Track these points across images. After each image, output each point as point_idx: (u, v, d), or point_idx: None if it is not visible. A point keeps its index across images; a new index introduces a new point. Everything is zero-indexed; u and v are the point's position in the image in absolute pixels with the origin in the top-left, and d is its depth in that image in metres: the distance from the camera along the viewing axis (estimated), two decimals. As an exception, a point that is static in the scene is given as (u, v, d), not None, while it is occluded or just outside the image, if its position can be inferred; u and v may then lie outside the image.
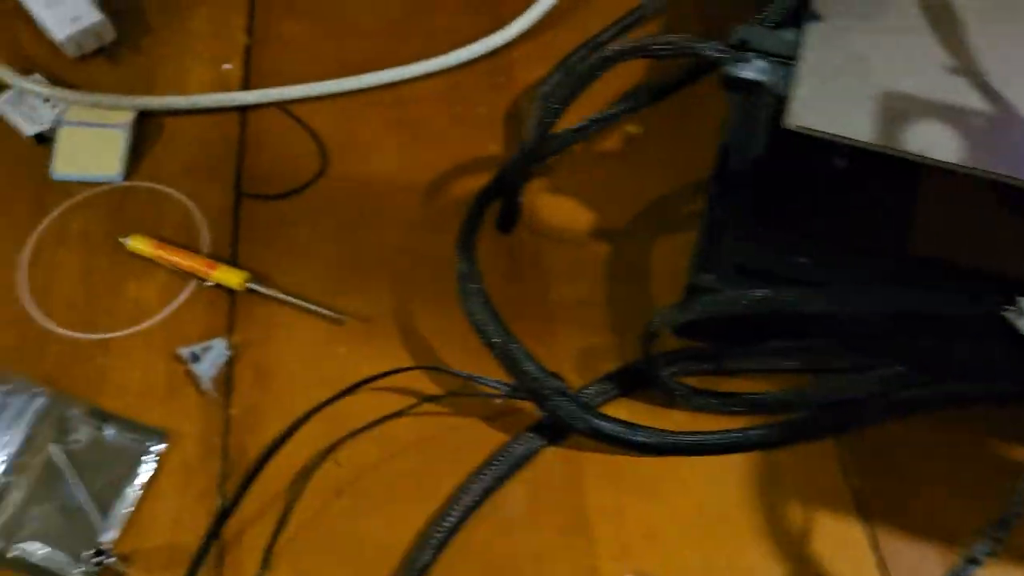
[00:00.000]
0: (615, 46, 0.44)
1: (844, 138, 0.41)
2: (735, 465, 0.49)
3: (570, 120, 0.53)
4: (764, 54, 0.44)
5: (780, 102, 0.43)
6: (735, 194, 0.47)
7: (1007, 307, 0.39)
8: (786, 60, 0.43)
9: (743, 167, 0.47)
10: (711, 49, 0.43)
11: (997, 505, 0.40)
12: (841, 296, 0.42)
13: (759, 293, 0.42)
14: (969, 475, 0.48)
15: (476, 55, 0.61)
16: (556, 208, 0.55)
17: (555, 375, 0.47)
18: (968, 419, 0.49)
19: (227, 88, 0.60)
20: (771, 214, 0.46)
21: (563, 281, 0.53)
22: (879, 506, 0.47)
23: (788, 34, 0.44)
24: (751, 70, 0.43)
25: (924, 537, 0.46)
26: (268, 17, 0.64)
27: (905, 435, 0.49)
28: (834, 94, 0.42)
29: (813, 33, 0.45)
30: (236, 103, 0.59)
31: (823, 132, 0.42)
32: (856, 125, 0.42)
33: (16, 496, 0.47)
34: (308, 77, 0.60)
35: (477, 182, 0.57)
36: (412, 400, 0.50)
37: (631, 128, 0.58)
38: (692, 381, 0.49)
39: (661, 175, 0.57)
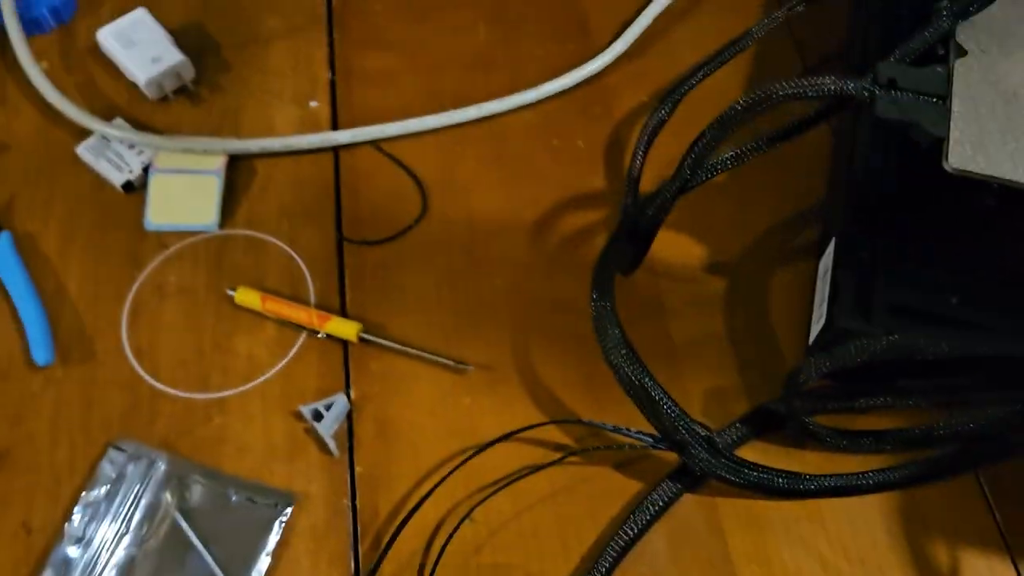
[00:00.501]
0: (775, 90, 0.42)
1: (1006, 181, 0.41)
2: (876, 505, 0.48)
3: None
4: (914, 92, 0.42)
5: (934, 142, 0.42)
6: (878, 233, 0.46)
7: None
8: (939, 98, 0.42)
9: (882, 206, 0.46)
10: (863, 90, 0.42)
11: None
12: (1005, 341, 0.41)
13: (921, 337, 0.41)
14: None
15: (571, 84, 0.60)
16: (669, 245, 0.54)
17: (697, 422, 0.46)
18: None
19: (316, 126, 0.58)
20: (919, 253, 0.45)
21: (684, 321, 0.52)
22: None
23: (938, 71, 0.43)
24: (904, 110, 0.42)
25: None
26: (349, 50, 0.62)
27: None
28: (991, 134, 0.41)
29: (960, 69, 0.44)
30: (330, 143, 0.57)
31: (985, 175, 0.41)
32: (1017, 166, 0.41)
33: (145, 568, 0.45)
34: (396, 112, 0.59)
35: (584, 219, 0.56)
36: (546, 452, 0.48)
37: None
38: (820, 420, 0.49)
39: (764, 205, 0.56)
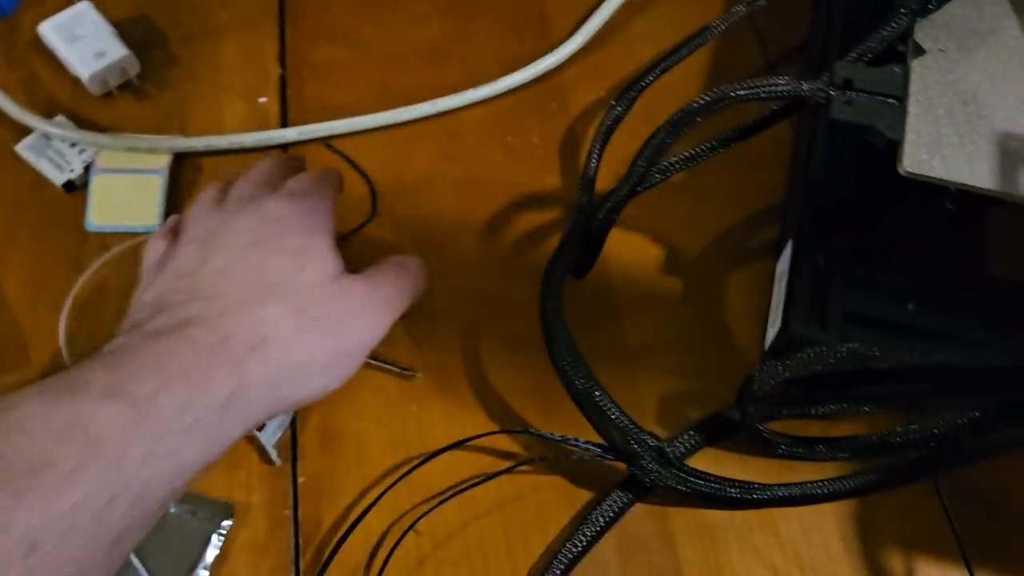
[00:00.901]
0: (728, 91, 0.41)
1: (962, 184, 0.39)
2: (831, 513, 0.47)
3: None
4: (870, 93, 0.41)
5: (890, 145, 0.40)
6: (835, 236, 0.44)
7: None
8: (895, 99, 0.41)
9: (838, 209, 0.45)
10: (817, 92, 0.41)
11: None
12: (963, 349, 0.40)
13: (879, 345, 0.40)
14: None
15: (527, 79, 0.58)
16: (625, 246, 0.53)
17: (645, 431, 0.45)
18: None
19: (266, 123, 0.57)
20: (877, 258, 0.44)
21: (640, 324, 0.51)
22: (982, 549, 0.46)
23: (895, 71, 0.42)
24: (860, 112, 0.41)
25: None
26: (300, 44, 0.60)
27: (1006, 473, 0.47)
28: (948, 137, 0.40)
29: (917, 69, 0.42)
30: (279, 141, 0.55)
31: (940, 179, 0.39)
32: (974, 170, 0.39)
33: (78, 584, 0.44)
34: (348, 109, 0.57)
35: (539, 218, 0.54)
36: (494, 461, 0.47)
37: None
38: (774, 426, 0.47)
39: (722, 205, 0.55)
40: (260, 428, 0.47)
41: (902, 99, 0.41)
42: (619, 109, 0.53)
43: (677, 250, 0.53)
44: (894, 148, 0.40)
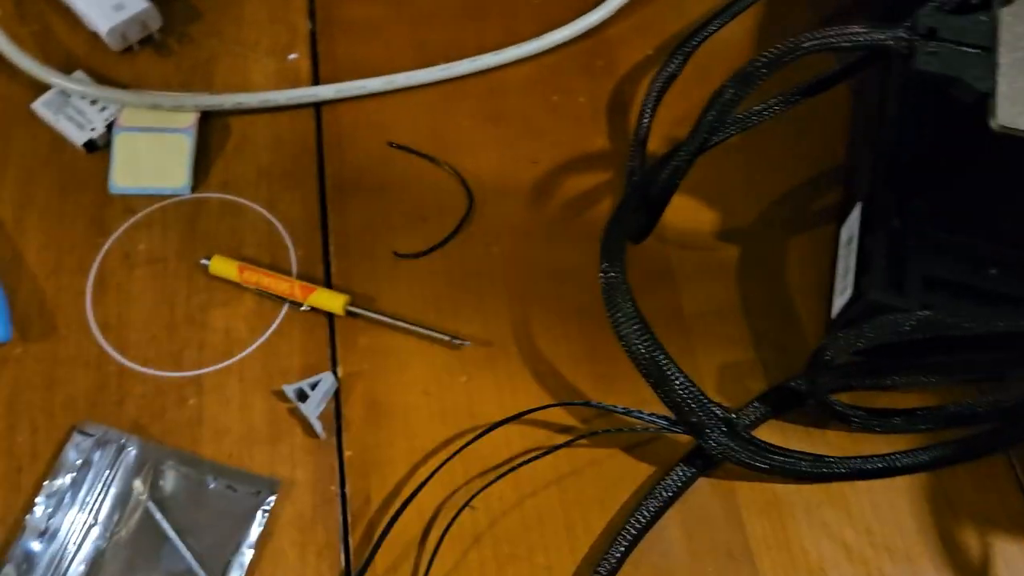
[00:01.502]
0: (801, 41, 0.39)
1: (1059, 139, 0.37)
2: (902, 488, 0.45)
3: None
4: (956, 43, 0.39)
5: (979, 98, 0.38)
6: (911, 197, 0.42)
7: None
8: (983, 50, 0.39)
9: (919, 168, 0.43)
10: (901, 41, 0.38)
11: None
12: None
13: (961, 312, 0.38)
14: None
15: (572, 36, 0.55)
16: (681, 211, 0.50)
17: (714, 403, 0.43)
18: None
19: (297, 81, 0.54)
20: (957, 221, 0.42)
21: (697, 292, 0.49)
22: None
23: (982, 19, 0.39)
24: (946, 64, 0.38)
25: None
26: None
27: None
28: (1045, 88, 0.38)
29: (1007, 18, 0.40)
30: (313, 99, 0.53)
31: (1036, 133, 0.37)
32: (1073, 124, 0.37)
33: (116, 563, 0.41)
34: (383, 67, 0.54)
35: (586, 181, 0.52)
36: (550, 434, 0.45)
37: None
38: (842, 398, 0.46)
39: (782, 166, 0.52)
40: (303, 399, 0.44)
41: (991, 49, 0.39)
42: (672, 66, 0.51)
43: (734, 215, 0.51)
44: (982, 102, 0.38)
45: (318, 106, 0.53)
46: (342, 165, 0.52)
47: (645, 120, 0.50)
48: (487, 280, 0.49)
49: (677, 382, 0.41)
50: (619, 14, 0.56)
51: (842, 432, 0.46)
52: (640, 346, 0.41)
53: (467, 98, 0.54)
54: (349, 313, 0.47)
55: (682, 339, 0.47)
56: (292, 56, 0.55)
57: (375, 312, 0.47)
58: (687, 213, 0.51)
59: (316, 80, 0.54)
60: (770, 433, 0.45)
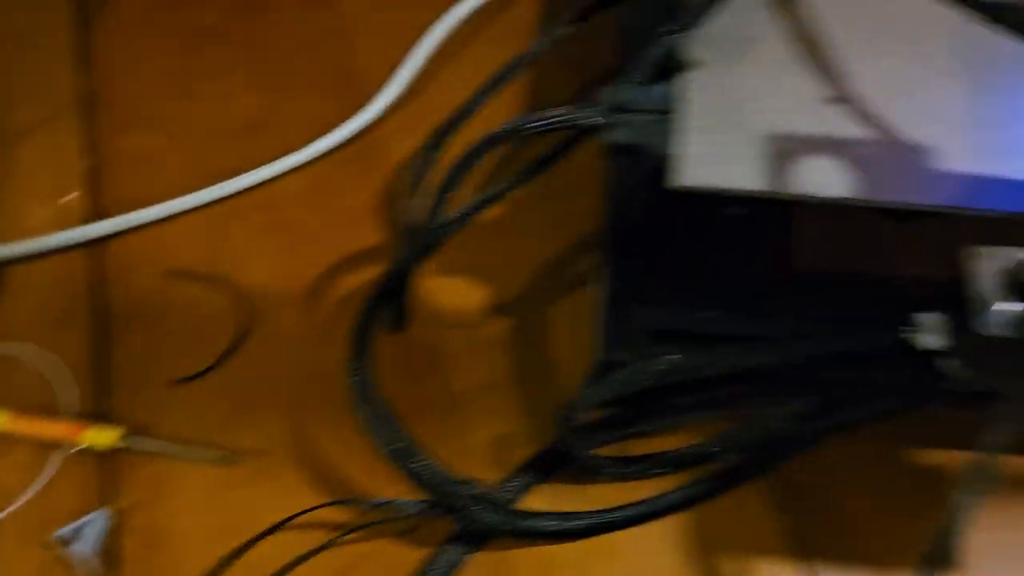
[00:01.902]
0: (494, 131, 0.41)
1: (733, 190, 0.39)
2: (664, 529, 0.45)
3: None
4: (642, 112, 0.41)
5: (665, 161, 0.40)
6: (629, 260, 0.44)
7: (904, 328, 0.38)
8: (667, 115, 0.41)
9: (630, 231, 0.45)
10: (589, 119, 0.41)
11: (932, 517, 0.37)
12: (762, 353, 0.39)
13: (674, 359, 0.39)
14: (896, 489, 0.46)
15: (343, 139, 0.57)
16: (444, 290, 0.52)
17: (464, 481, 0.43)
18: (882, 434, 0.46)
19: (75, 221, 0.55)
20: (670, 273, 0.43)
21: (465, 369, 0.50)
22: (815, 542, 0.44)
23: (665, 88, 0.42)
24: (631, 133, 0.41)
25: (863, 564, 0.44)
26: (110, 134, 0.59)
27: (827, 462, 0.46)
28: (718, 145, 0.40)
29: (688, 83, 0.42)
30: (89, 237, 0.54)
31: (712, 187, 0.39)
32: (744, 175, 0.39)
33: None
34: (164, 195, 0.55)
35: (360, 279, 0.53)
36: (325, 534, 0.45)
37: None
38: (610, 450, 0.46)
39: (543, 236, 0.53)
40: (74, 542, 0.44)
41: (673, 114, 0.41)
42: (432, 154, 0.53)
43: (500, 289, 0.52)
44: (669, 163, 0.40)
45: (98, 241, 0.54)
46: (125, 298, 0.53)
47: (403, 210, 0.52)
48: (266, 391, 0.50)
49: (423, 469, 0.42)
50: (389, 113, 0.59)
51: (620, 484, 0.46)
52: (383, 439, 0.42)
53: (245, 213, 0.56)
54: (123, 447, 0.47)
55: (454, 418, 0.48)
56: (70, 196, 0.56)
57: (146, 441, 0.47)
58: (453, 293, 0.52)
59: (97, 216, 0.55)
60: (553, 495, 0.46)
